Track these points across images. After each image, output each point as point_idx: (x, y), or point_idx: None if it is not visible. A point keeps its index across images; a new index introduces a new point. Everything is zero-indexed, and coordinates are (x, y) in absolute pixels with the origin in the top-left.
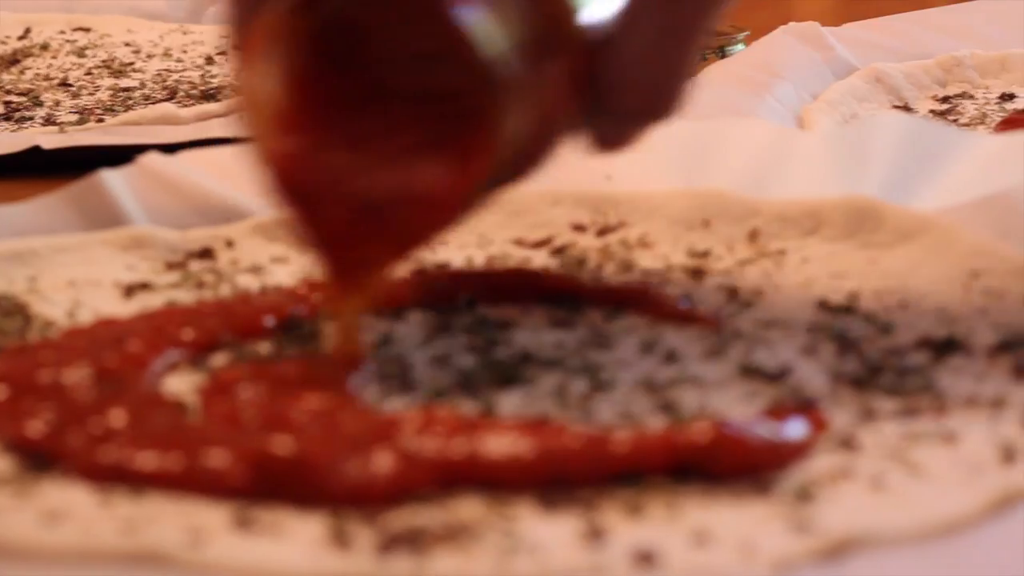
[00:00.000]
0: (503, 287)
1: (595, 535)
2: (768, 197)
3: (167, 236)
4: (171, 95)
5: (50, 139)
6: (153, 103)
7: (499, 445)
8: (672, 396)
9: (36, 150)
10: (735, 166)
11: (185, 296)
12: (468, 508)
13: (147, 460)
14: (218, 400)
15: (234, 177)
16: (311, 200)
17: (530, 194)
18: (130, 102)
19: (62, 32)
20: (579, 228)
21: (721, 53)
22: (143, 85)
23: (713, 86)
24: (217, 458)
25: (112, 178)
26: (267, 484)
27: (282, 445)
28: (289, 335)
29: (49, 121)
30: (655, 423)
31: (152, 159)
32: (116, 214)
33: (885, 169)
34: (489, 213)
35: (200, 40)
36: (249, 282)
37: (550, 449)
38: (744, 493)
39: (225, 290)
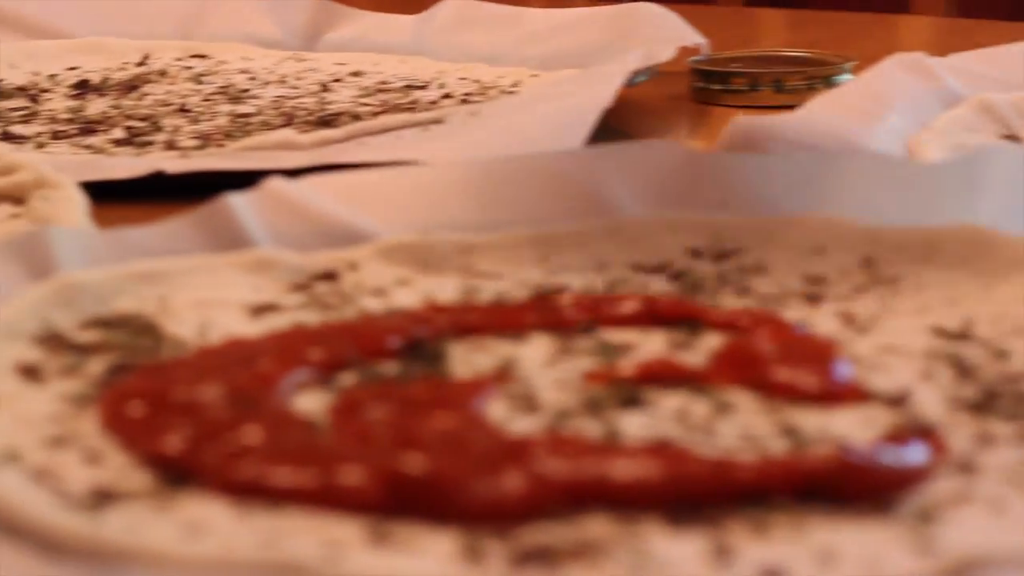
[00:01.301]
0: (622, 311)
1: (723, 553)
2: (881, 225)
3: (292, 259)
4: (288, 121)
5: (173, 164)
6: (271, 129)
7: (627, 467)
8: (792, 420)
9: (160, 174)
10: (848, 194)
11: (311, 317)
12: (597, 526)
13: (283, 476)
14: (348, 419)
15: (356, 201)
16: None
17: (647, 221)
18: (248, 128)
19: (179, 59)
20: (696, 254)
21: (829, 82)
22: (260, 111)
23: (823, 115)
24: (351, 475)
25: (237, 202)
26: (400, 501)
27: (415, 463)
28: (414, 356)
29: (170, 146)
30: (777, 447)
31: (276, 183)
32: (241, 237)
33: (997, 198)
34: (607, 239)
35: (315, 67)
36: (373, 304)
37: (677, 473)
38: (866, 514)
39: (350, 312)
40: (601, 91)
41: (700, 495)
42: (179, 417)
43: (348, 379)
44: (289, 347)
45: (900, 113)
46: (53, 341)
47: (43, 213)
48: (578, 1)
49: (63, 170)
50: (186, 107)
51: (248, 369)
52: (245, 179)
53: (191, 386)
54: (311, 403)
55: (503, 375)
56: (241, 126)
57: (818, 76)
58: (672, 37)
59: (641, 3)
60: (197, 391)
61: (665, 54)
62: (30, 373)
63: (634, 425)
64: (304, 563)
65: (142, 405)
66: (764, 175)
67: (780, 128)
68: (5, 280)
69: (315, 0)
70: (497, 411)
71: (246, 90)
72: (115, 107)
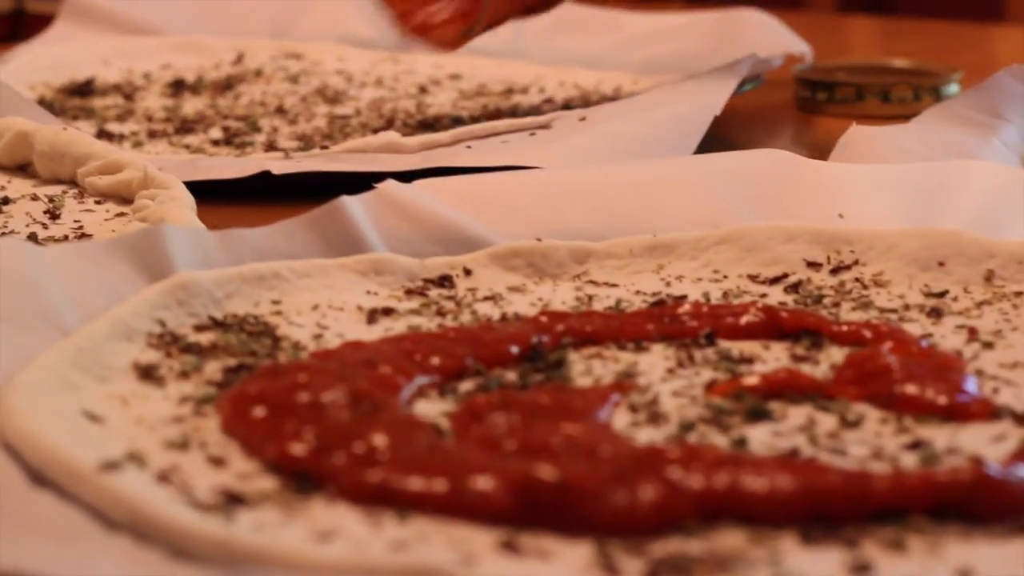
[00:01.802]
0: (743, 322)
1: (861, 569)
2: (1000, 239)
3: (406, 263)
4: (388, 123)
5: (278, 164)
6: (372, 131)
7: (761, 479)
8: (920, 435)
9: (264, 175)
10: (965, 207)
11: (426, 322)
12: (730, 538)
13: (413, 482)
14: (470, 425)
15: (470, 206)
16: None
17: (763, 230)
18: (348, 130)
19: (273, 58)
20: (813, 265)
21: (936, 93)
22: (358, 113)
23: (938, 127)
24: (481, 482)
25: (352, 204)
26: (531, 509)
27: (546, 471)
28: (533, 363)
29: (270, 147)
30: (907, 461)
31: (390, 186)
32: (355, 239)
33: None
34: (723, 248)
35: (411, 69)
36: (488, 310)
37: (812, 485)
38: (1000, 532)
39: (465, 318)
40: (712, 98)
41: (835, 508)
42: (303, 421)
43: (467, 386)
44: (409, 353)
45: (1015, 125)
46: (170, 342)
47: (152, 212)
48: (668, 6)
49: (165, 169)
50: (283, 107)
51: (369, 374)
52: (351, 181)
53: (313, 390)
54: (429, 409)
55: (624, 384)
56: (340, 127)
57: (925, 87)
58: (777, 45)
59: (745, 10)
60: (319, 395)
61: (773, 62)
62: (148, 374)
63: (761, 437)
64: (438, 567)
65: (264, 408)
66: (880, 186)
67: (896, 139)
68: (120, 279)
69: None
70: (620, 420)
71: (343, 91)
72: (211, 106)
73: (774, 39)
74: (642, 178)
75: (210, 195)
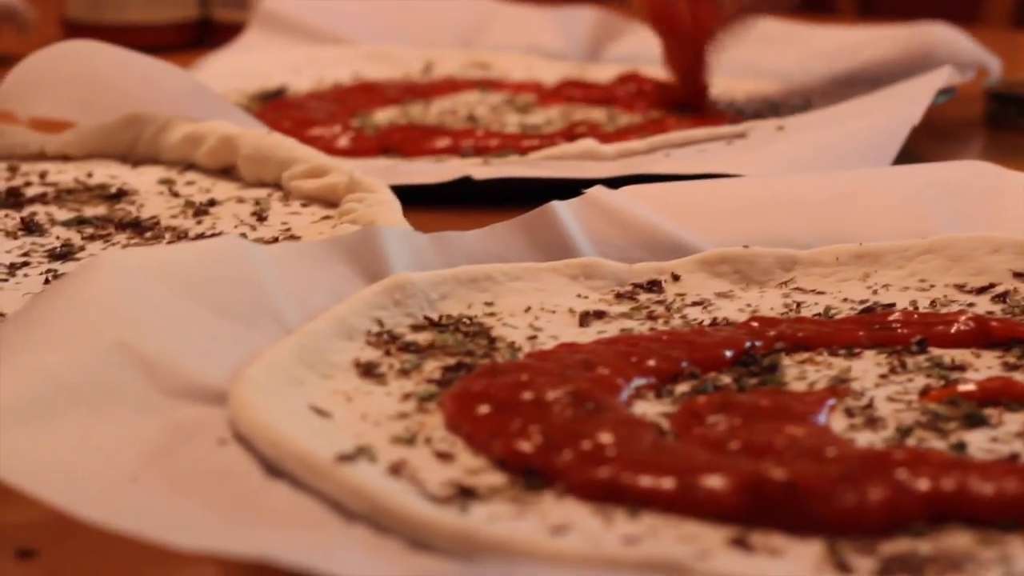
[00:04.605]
0: (954, 331)
1: None
2: None
3: (615, 267)
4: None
5: (479, 170)
6: (568, 139)
7: (988, 482)
8: None
9: (463, 180)
10: None
11: (637, 326)
12: (958, 539)
13: (643, 479)
14: (692, 426)
15: (675, 212)
16: None
17: (970, 240)
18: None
19: (462, 67)
20: (1020, 276)
21: None
22: (549, 122)
23: None
24: (712, 480)
25: (562, 209)
26: (761, 507)
27: (777, 471)
28: (747, 367)
29: (467, 153)
30: None
31: (599, 192)
32: (564, 243)
33: None
34: (929, 258)
35: (597, 79)
36: (697, 315)
37: None
38: None
39: (675, 322)
40: (910, 110)
41: None
42: (528, 419)
43: (683, 388)
44: (625, 354)
45: None
46: (388, 341)
47: (361, 215)
48: (844, 20)
49: (368, 174)
50: (473, 116)
51: (588, 374)
52: (543, 187)
53: (536, 389)
54: (647, 409)
55: (839, 389)
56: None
57: None
58: (969, 59)
59: (934, 25)
60: (543, 394)
61: (966, 75)
62: (369, 371)
63: (979, 443)
64: (676, 560)
65: (488, 406)
66: None
67: None
68: (338, 279)
69: (598, 12)
70: (837, 424)
71: (532, 101)
72: (403, 114)
73: (965, 53)
74: (846, 187)
75: (403, 199)
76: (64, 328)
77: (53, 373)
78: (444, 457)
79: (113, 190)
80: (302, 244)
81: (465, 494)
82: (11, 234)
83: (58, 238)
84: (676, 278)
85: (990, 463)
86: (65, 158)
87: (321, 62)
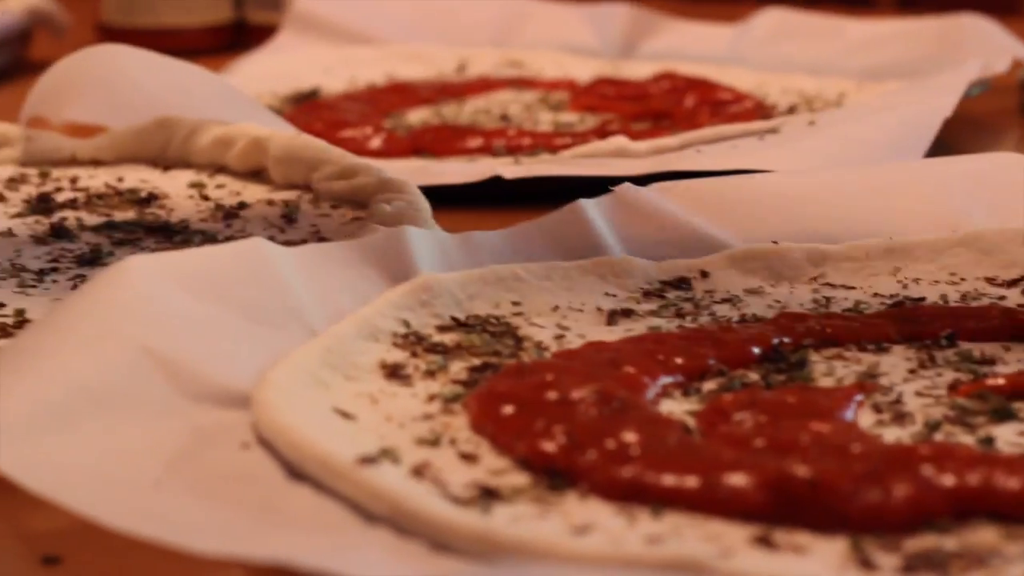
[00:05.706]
0: (984, 325)
1: None
2: None
3: (643, 265)
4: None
5: (509, 170)
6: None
7: (1013, 477)
8: None
9: (495, 179)
10: None
11: (665, 324)
12: (984, 535)
13: (666, 478)
14: (718, 424)
15: (705, 209)
16: None
17: (1001, 233)
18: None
19: (496, 66)
20: None
21: None
22: (582, 120)
23: None
24: (735, 479)
25: (590, 207)
26: (784, 505)
27: (801, 468)
28: (775, 364)
29: (499, 152)
30: None
31: (626, 189)
32: (592, 242)
33: None
34: (960, 251)
35: (630, 77)
36: (726, 312)
37: None
38: None
39: (704, 319)
40: (941, 102)
41: None
42: (553, 419)
43: (710, 386)
44: (652, 353)
45: None
46: (414, 342)
47: (390, 216)
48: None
49: (398, 175)
50: (507, 115)
51: (615, 373)
52: (574, 185)
53: (561, 389)
54: (674, 407)
55: (867, 385)
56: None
57: None
58: (1003, 50)
59: (967, 16)
60: (568, 394)
61: (1000, 66)
62: (395, 373)
63: (1008, 437)
64: (698, 559)
65: (513, 407)
66: None
67: None
68: (363, 280)
69: (632, 9)
70: (865, 420)
71: (565, 100)
72: (436, 114)
73: (999, 44)
74: (876, 182)
75: (437, 200)
76: (87, 332)
77: (76, 378)
78: (468, 458)
79: (143, 194)
80: (327, 245)
81: (488, 495)
82: (41, 240)
83: (87, 243)
84: (705, 275)
85: (1016, 457)
86: (96, 163)
87: (354, 63)
